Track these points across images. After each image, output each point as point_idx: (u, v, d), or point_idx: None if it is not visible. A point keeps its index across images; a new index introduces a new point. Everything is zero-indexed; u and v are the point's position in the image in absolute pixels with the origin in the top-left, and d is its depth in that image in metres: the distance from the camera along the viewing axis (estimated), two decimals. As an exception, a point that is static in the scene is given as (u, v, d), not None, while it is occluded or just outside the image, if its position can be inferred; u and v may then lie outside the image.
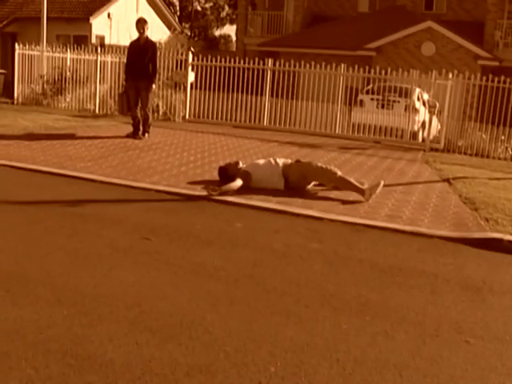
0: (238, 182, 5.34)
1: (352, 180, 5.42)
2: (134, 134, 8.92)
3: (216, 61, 12.33)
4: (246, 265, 3.47)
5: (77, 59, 13.71)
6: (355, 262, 3.68)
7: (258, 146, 9.02)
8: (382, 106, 12.16)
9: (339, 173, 5.42)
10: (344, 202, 5.24)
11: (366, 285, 3.27)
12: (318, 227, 4.49)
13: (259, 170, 5.54)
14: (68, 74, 13.74)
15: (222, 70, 12.35)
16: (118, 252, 3.54)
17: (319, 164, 5.55)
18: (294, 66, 12.06)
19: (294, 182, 5.48)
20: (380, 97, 12.27)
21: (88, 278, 3.05)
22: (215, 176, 5.90)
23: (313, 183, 5.61)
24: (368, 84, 12.97)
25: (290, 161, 5.71)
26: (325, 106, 12.03)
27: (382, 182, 5.55)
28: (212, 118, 12.55)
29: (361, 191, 5.30)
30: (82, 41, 18.88)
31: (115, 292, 2.89)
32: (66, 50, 13.84)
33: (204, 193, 5.23)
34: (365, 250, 3.98)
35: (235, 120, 12.52)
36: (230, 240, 3.96)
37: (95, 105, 13.30)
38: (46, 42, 14.52)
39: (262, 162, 5.68)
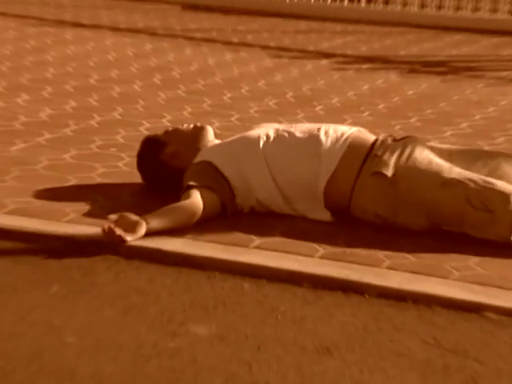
0: (193, 203, 4.45)
1: None
2: None
3: None
4: None
5: None
6: None
7: (262, 73, 7.69)
8: None
9: None
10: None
11: None
12: (462, 334, 3.55)
13: (253, 165, 4.69)
14: None
15: None
16: None
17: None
18: None
19: (365, 216, 4.71)
20: None
21: None
22: (123, 174, 5.00)
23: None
24: None
25: (369, 137, 4.73)
26: None
27: None
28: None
29: None
30: None
31: None
32: None
33: (94, 230, 4.37)
34: None
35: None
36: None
37: None
38: None
39: (264, 134, 4.70)
